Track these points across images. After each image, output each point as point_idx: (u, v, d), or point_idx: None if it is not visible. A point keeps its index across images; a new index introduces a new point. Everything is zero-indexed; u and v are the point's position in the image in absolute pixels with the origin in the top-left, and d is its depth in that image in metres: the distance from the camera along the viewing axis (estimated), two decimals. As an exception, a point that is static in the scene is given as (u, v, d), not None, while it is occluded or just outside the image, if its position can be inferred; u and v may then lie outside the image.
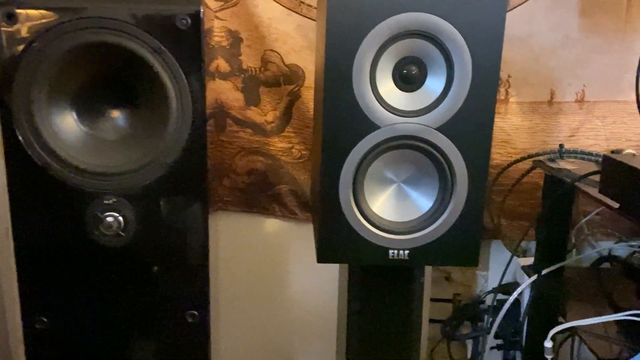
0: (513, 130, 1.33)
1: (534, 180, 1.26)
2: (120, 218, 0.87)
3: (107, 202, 0.86)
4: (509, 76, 1.30)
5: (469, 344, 1.41)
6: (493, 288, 1.33)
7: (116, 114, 0.88)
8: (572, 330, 0.96)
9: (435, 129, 0.81)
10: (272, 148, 1.32)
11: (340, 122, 0.79)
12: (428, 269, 1.04)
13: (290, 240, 1.41)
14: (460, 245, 0.85)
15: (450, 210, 0.84)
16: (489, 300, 1.37)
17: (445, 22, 0.76)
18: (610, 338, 0.89)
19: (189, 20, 0.82)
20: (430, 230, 0.84)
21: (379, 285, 0.96)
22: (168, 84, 0.83)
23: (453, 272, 1.49)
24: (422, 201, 0.85)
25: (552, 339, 0.97)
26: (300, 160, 1.33)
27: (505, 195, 1.31)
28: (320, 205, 0.82)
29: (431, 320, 1.46)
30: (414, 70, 0.80)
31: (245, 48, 1.29)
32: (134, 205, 0.87)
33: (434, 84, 0.80)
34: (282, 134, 1.31)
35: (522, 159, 1.23)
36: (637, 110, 1.06)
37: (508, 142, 1.33)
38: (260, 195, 1.36)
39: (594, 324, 0.95)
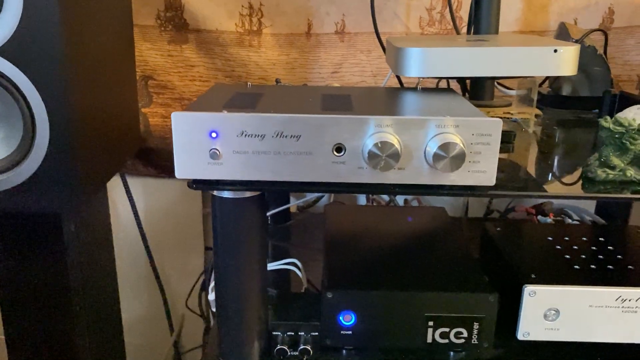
0: (269, 66, 1.21)
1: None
2: None
3: None
4: (260, 4, 1.17)
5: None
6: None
7: None
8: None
9: (-7, 52, 0.69)
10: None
11: None
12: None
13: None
14: (52, 190, 0.75)
15: (35, 151, 0.73)
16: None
17: None
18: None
19: None
20: (12, 175, 0.74)
21: (20, 239, 0.87)
22: None
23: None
24: (6, 141, 0.75)
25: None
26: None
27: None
28: None
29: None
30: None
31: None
32: None
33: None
34: None
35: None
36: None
37: (265, 78, 1.21)
38: None
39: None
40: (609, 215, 1.04)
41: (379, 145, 0.54)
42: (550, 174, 0.69)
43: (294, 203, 1.14)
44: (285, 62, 1.21)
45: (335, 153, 0.56)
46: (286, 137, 0.56)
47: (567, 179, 0.67)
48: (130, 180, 1.23)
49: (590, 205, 1.08)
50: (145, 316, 1.37)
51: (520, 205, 1.04)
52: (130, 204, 1.22)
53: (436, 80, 1.06)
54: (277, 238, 1.02)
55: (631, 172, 0.61)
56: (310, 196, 1.19)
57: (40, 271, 0.89)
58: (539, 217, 0.95)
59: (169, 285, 1.34)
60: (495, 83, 1.01)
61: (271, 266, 0.86)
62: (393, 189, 0.58)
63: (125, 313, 1.13)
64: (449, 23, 1.19)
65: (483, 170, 0.56)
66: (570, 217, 1.02)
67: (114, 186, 1.22)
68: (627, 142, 0.60)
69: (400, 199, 1.12)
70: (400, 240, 0.81)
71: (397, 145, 0.55)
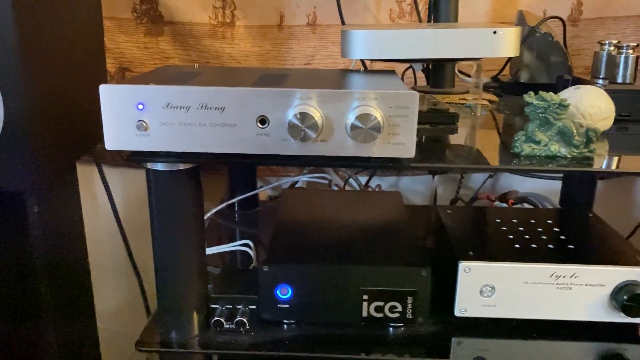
0: (243, 58, 1.23)
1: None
2: None
3: None
4: (233, -4, 1.20)
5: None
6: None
7: None
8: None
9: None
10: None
11: None
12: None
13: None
14: (12, 167, 0.77)
15: (-8, 128, 0.76)
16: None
17: None
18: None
19: None
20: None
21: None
22: None
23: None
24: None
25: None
26: None
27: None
28: None
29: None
30: None
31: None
32: None
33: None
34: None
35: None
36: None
37: (238, 70, 1.23)
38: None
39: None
40: (572, 205, 1.04)
41: (299, 116, 0.56)
42: (482, 150, 0.69)
43: (263, 189, 1.15)
44: (258, 53, 1.23)
45: (259, 125, 0.58)
46: (210, 109, 0.58)
47: (497, 153, 0.68)
48: (107, 170, 1.25)
49: (554, 195, 1.08)
50: (123, 305, 1.39)
51: (483, 193, 1.05)
52: (107, 193, 1.24)
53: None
54: (242, 223, 1.04)
55: (556, 147, 0.61)
56: (283, 182, 1.21)
57: (3, 250, 0.91)
58: (496, 202, 0.96)
59: (147, 274, 1.35)
60: (457, 71, 1.02)
61: (225, 248, 0.87)
62: (318, 161, 0.60)
63: (103, 302, 1.15)
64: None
65: (402, 143, 0.58)
66: (533, 205, 1.02)
67: (91, 176, 1.24)
68: (551, 117, 0.61)
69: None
70: (348, 221, 0.82)
71: (317, 117, 0.56)
